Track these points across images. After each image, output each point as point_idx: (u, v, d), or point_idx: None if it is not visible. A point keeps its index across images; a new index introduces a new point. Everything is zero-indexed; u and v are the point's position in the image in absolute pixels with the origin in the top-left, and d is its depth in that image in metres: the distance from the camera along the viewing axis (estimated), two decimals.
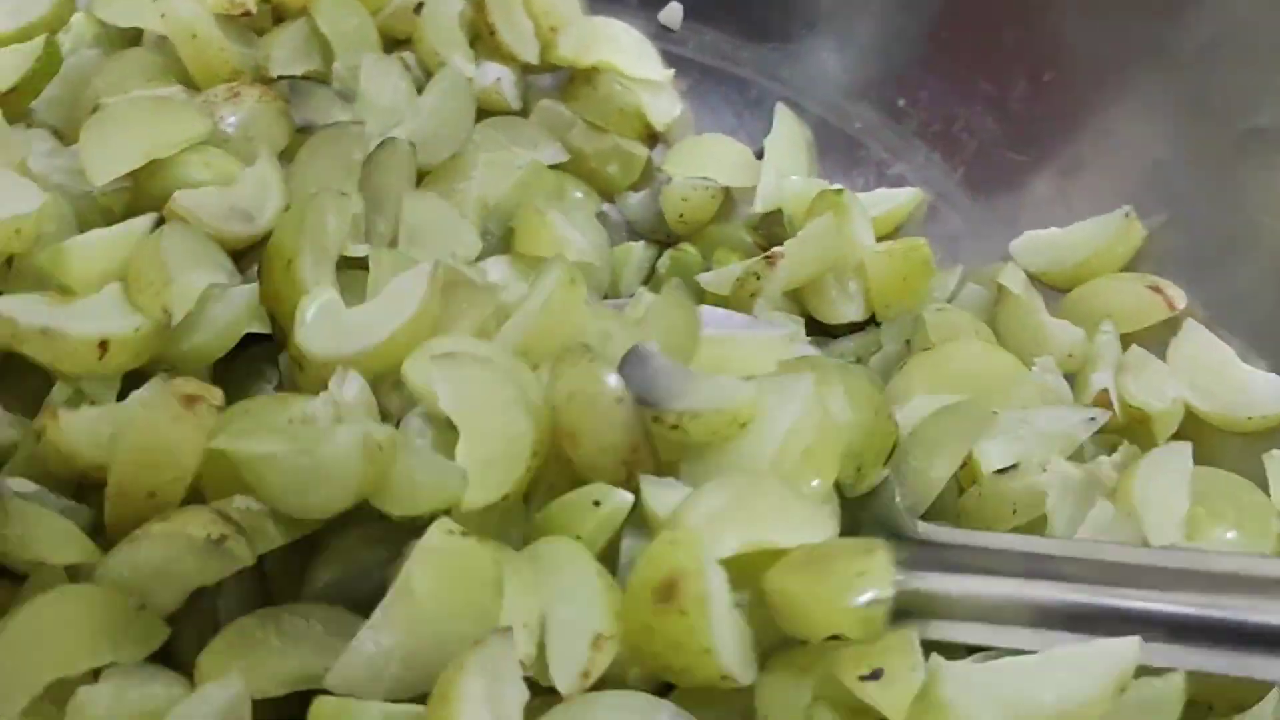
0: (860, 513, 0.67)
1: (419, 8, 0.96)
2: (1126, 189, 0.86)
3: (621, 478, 0.63)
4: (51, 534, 0.63)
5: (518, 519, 0.65)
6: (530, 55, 1.00)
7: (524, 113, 1.02)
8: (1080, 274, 0.86)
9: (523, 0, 1.00)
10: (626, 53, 1.01)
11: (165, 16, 0.85)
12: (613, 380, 0.63)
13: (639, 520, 0.63)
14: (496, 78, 0.99)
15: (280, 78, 0.90)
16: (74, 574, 0.63)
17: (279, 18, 0.95)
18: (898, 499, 0.68)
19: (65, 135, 0.86)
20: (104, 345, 0.66)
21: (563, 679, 0.56)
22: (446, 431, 0.64)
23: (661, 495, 0.62)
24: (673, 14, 1.05)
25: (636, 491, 0.62)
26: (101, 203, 0.77)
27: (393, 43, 0.98)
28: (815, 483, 0.64)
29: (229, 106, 0.84)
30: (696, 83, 1.06)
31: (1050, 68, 0.90)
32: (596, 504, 0.62)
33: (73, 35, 0.92)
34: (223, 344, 0.72)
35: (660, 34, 1.06)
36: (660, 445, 0.64)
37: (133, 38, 0.91)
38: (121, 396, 0.68)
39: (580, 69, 1.01)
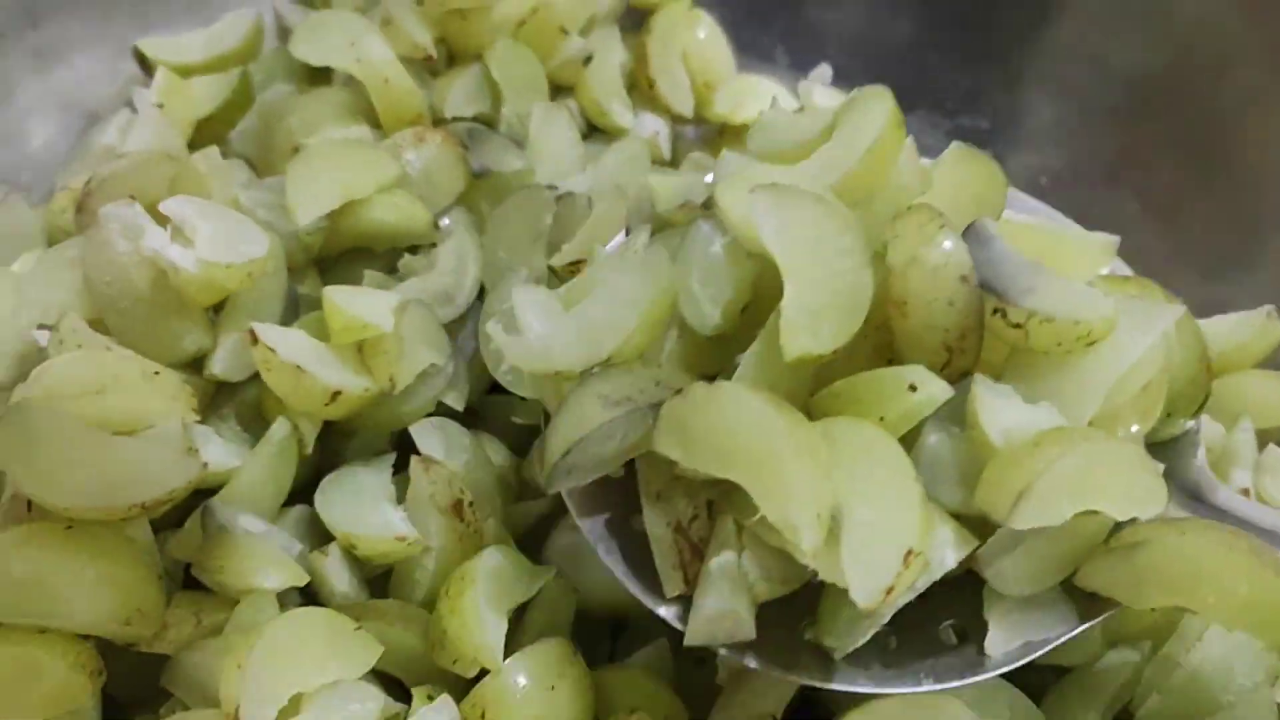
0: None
1: (588, 60, 1.00)
2: (1268, 286, 0.88)
3: (940, 363, 0.57)
4: (267, 563, 0.68)
5: (805, 383, 0.59)
6: (686, 109, 1.04)
7: (673, 163, 1.06)
8: (1216, 368, 0.89)
9: (681, 56, 1.04)
10: None
11: (361, 61, 0.89)
12: (963, 255, 0.57)
13: (945, 412, 0.57)
14: (655, 130, 1.03)
15: (454, 119, 0.95)
16: (281, 598, 0.69)
17: (452, 61, 0.99)
18: (1200, 458, 0.64)
19: (258, 166, 0.91)
20: (335, 395, 0.71)
21: (862, 590, 0.52)
22: (736, 247, 0.61)
23: (997, 407, 0.56)
24: (821, 76, 1.08)
25: (951, 382, 0.56)
26: (304, 240, 0.81)
27: (555, 89, 1.02)
28: (1136, 427, 0.59)
29: (414, 150, 0.88)
30: None
31: (1203, 162, 0.93)
32: (912, 388, 0.55)
33: (263, 68, 0.97)
34: (415, 416, 0.79)
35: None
36: (989, 339, 0.58)
37: (321, 74, 0.96)
38: None
39: (730, 124, 1.06)
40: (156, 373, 0.70)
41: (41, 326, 0.73)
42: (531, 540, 0.79)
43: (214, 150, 0.80)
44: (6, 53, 0.89)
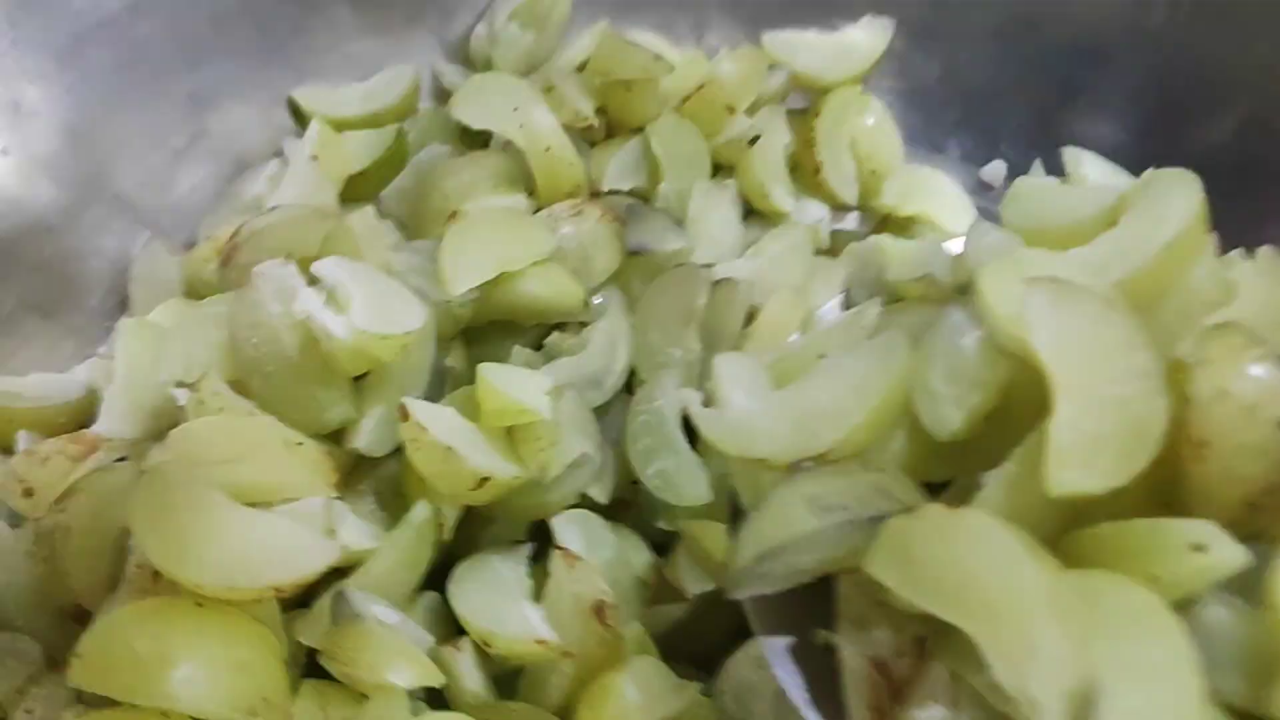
0: None
1: (754, 140, 0.95)
2: None
3: (1235, 520, 0.47)
4: (401, 658, 0.63)
5: (1062, 519, 0.50)
6: (850, 198, 0.99)
7: (831, 251, 1.00)
8: None
9: (849, 142, 0.99)
10: (945, 206, 0.99)
11: (524, 128, 0.85)
12: None
13: (1233, 581, 0.47)
14: (818, 218, 0.98)
15: (610, 192, 0.91)
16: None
17: (610, 132, 0.95)
18: None
19: (409, 227, 0.88)
20: (483, 481, 0.66)
21: None
22: (992, 344, 0.52)
23: None
24: (995, 171, 1.03)
25: (1246, 544, 0.46)
26: (454, 311, 0.77)
27: (715, 167, 0.97)
28: None
29: (571, 223, 0.84)
30: None
31: None
32: (1198, 548, 0.45)
33: (418, 127, 0.94)
34: (559, 506, 0.74)
35: (979, 189, 1.04)
36: None
37: (478, 136, 0.92)
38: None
39: (895, 216, 1.00)
40: (299, 443, 0.66)
41: (180, 385, 0.69)
42: (668, 645, 0.74)
43: (370, 211, 0.76)
44: (163, 95, 0.86)
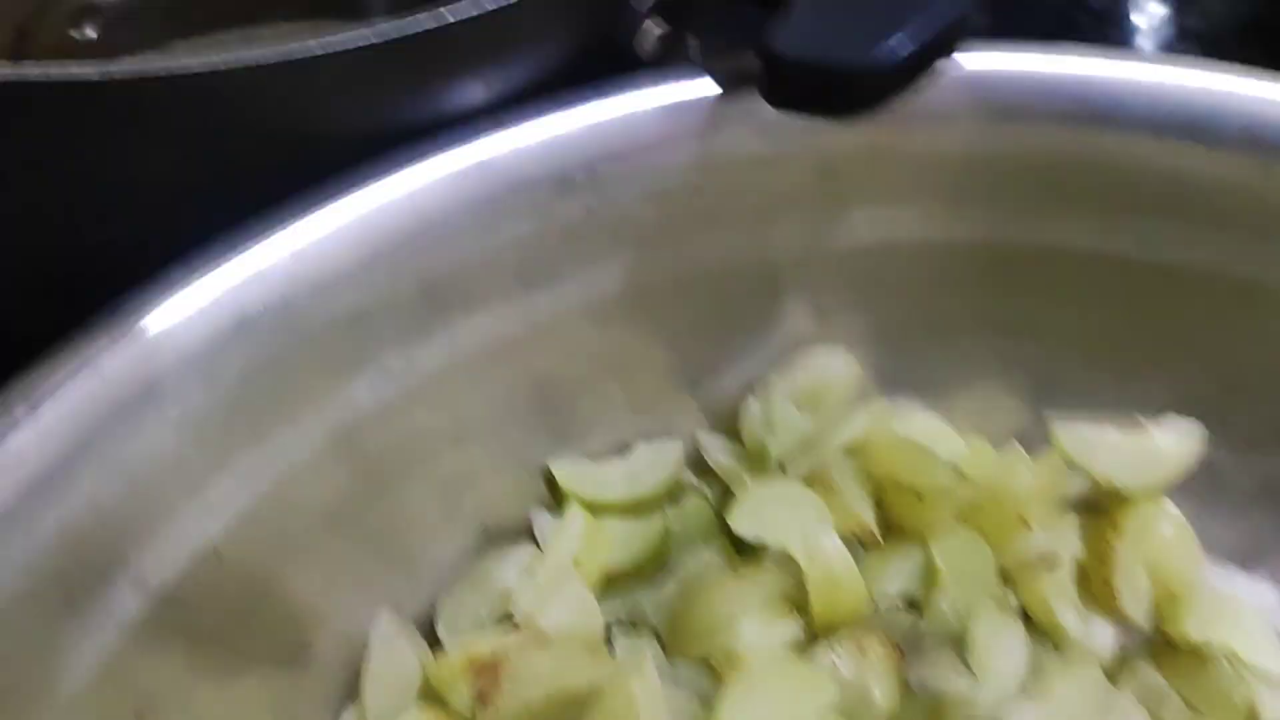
0: None
1: (1049, 563, 0.86)
2: None
3: None
4: None
5: None
6: (1142, 620, 0.89)
7: (1111, 674, 0.90)
8: None
9: (1145, 559, 0.90)
10: (1249, 638, 0.88)
11: (809, 553, 0.78)
12: None
13: None
14: (1111, 645, 0.88)
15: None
16: None
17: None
18: None
19: (666, 640, 0.81)
20: None
21: None
22: None
23: None
24: None
25: None
26: None
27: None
28: None
29: (852, 662, 0.76)
30: None
31: None
32: None
33: (683, 521, 0.87)
34: None
35: None
36: None
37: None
38: None
39: (1189, 642, 0.89)
40: None
41: None
42: None
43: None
44: (426, 476, 0.80)
